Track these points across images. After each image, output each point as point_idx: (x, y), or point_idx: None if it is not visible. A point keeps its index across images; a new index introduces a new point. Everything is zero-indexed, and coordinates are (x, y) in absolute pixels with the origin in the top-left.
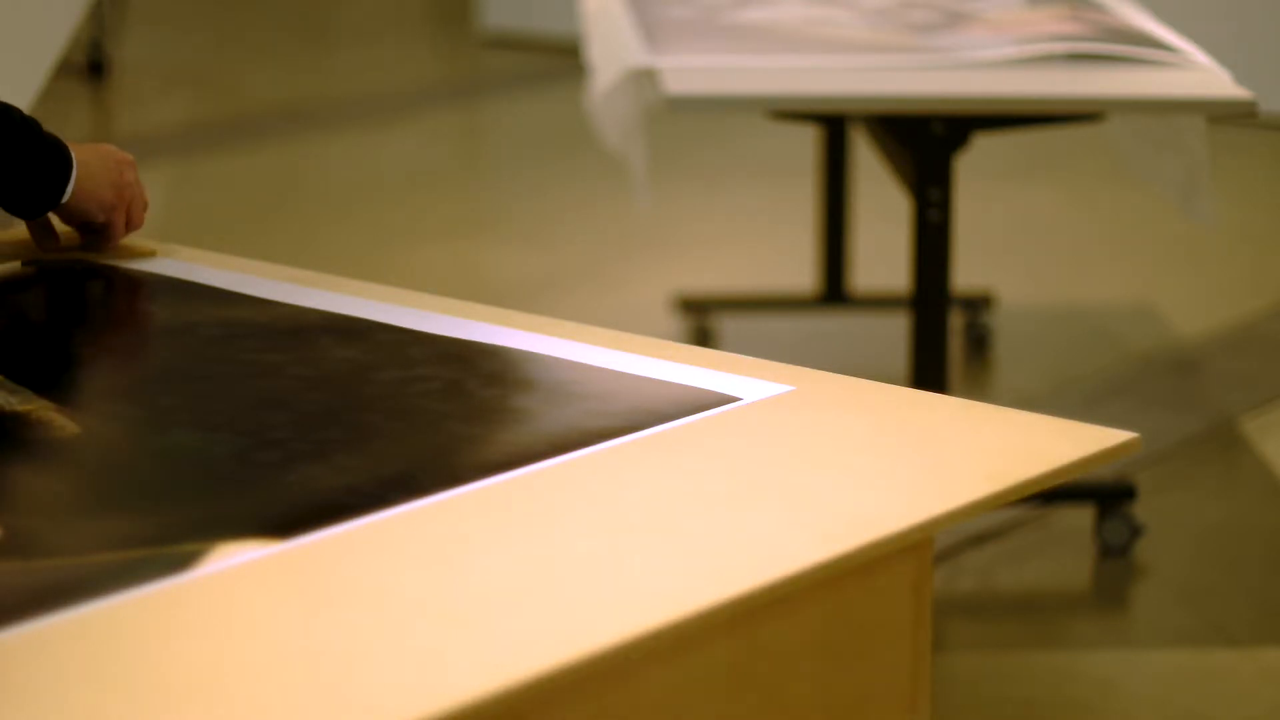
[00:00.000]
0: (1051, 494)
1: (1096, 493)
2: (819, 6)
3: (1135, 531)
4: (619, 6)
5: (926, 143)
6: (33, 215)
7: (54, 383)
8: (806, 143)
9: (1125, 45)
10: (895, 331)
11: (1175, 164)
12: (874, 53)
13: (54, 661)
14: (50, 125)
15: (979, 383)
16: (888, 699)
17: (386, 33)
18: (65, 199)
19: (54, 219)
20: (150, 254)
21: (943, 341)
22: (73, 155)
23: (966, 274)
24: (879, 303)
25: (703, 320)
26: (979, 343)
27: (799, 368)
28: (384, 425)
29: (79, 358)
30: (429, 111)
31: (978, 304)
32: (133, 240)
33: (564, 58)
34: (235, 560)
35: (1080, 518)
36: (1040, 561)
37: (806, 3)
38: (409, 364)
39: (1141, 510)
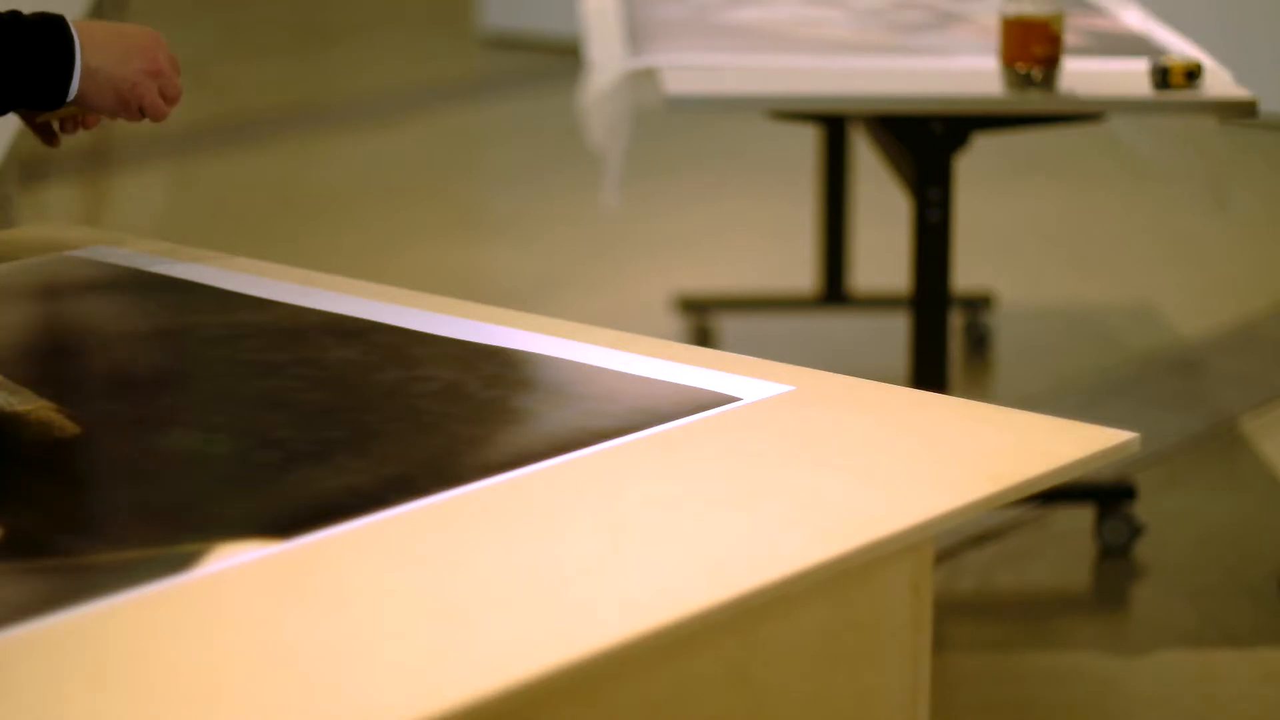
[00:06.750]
0: (1051, 494)
1: (1096, 493)
2: (811, 6)
3: (1135, 531)
4: (615, 6)
5: (926, 143)
6: (37, 108)
7: (54, 383)
8: (806, 143)
9: (1114, 59)
10: (895, 331)
11: (1197, 162)
12: (859, 52)
13: (54, 661)
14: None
15: (979, 383)
16: (888, 699)
17: (386, 33)
18: (69, 99)
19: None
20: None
21: (943, 341)
22: (76, 54)
23: (966, 274)
24: (879, 303)
25: (703, 320)
26: (979, 343)
27: (799, 368)
28: (384, 426)
29: (79, 358)
30: (429, 111)
31: (978, 304)
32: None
33: (564, 58)
34: (235, 560)
35: (1080, 518)
36: (1040, 561)
37: (800, 2)
38: (409, 364)
39: (1141, 510)
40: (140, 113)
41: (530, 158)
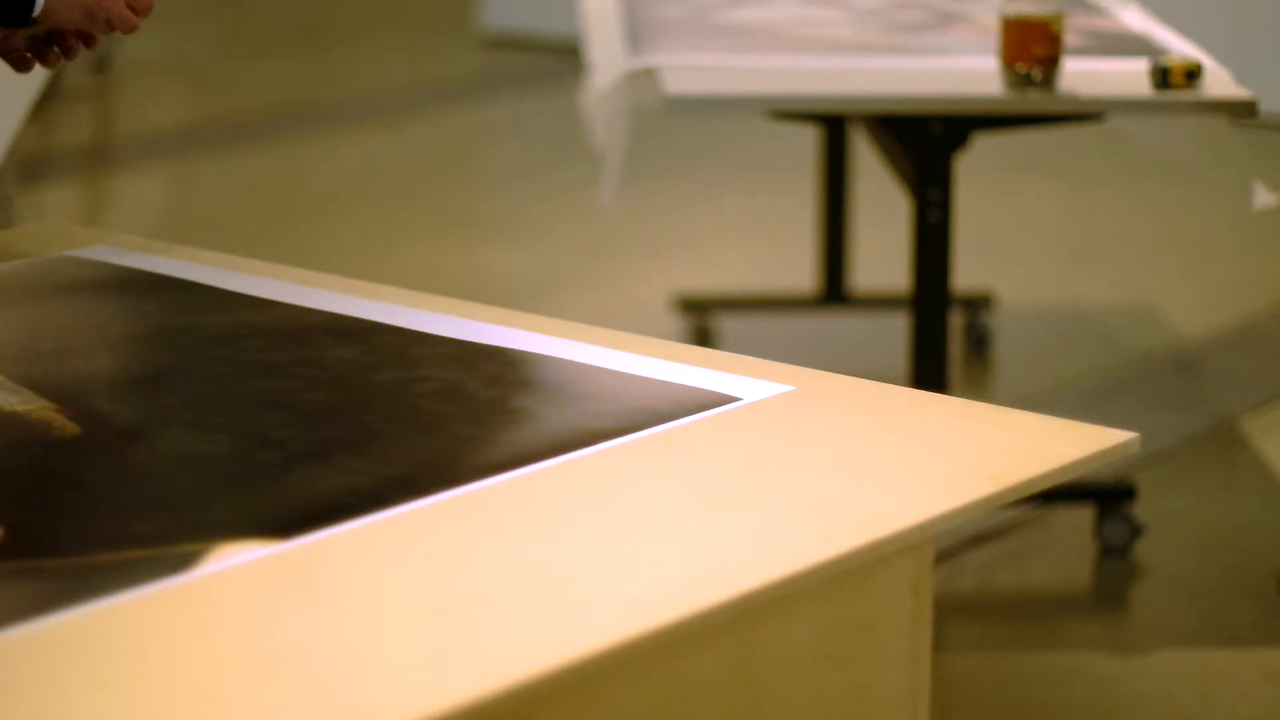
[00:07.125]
0: (1051, 494)
1: (1096, 493)
2: (811, 6)
3: (1135, 531)
4: (615, 6)
5: (926, 143)
6: (4, 25)
7: (54, 383)
8: (806, 143)
9: (1114, 59)
10: (895, 331)
11: (1221, 157)
12: (859, 52)
13: (54, 661)
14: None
15: (979, 383)
16: (888, 699)
17: (386, 33)
18: (35, 13)
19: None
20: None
21: (943, 341)
22: None
23: (966, 274)
24: (879, 303)
25: (703, 320)
26: (979, 343)
27: (799, 368)
28: (384, 426)
29: (79, 358)
30: (429, 111)
31: (978, 304)
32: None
33: (564, 58)
34: (235, 560)
35: (1080, 518)
36: (1040, 561)
37: (800, 2)
38: (409, 364)
39: (1141, 510)
40: (109, 25)
41: (530, 158)
